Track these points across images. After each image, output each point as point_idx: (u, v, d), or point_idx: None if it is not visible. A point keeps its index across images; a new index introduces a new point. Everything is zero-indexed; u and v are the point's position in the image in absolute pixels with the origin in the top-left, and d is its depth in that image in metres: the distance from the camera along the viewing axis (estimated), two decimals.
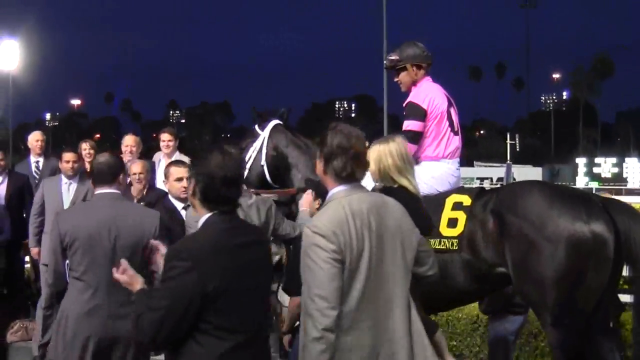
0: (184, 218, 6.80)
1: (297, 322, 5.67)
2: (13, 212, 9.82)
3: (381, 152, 5.21)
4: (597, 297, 5.59)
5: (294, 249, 6.82)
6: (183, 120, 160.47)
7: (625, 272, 5.91)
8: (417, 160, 6.47)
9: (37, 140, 11.05)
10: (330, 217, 4.10)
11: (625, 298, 7.55)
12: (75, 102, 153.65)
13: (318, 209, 5.59)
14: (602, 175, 51.40)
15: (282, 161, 6.81)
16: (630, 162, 52.78)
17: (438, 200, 6.18)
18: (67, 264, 5.35)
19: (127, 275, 4.24)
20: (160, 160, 10.45)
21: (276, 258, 7.12)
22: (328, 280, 3.96)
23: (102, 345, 5.19)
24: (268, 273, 4.25)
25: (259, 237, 4.24)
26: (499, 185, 8.88)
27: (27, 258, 10.21)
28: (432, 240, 5.98)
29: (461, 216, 5.98)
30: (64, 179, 9.36)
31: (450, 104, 6.50)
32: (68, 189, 9.34)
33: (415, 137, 6.36)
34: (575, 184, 46.28)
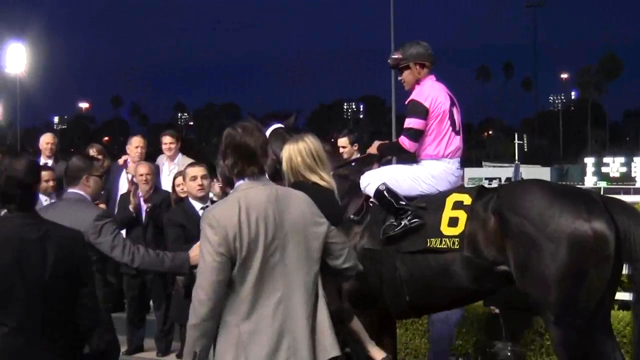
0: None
1: None
2: None
3: (291, 152, 5.44)
4: (599, 295, 5.59)
5: None
6: (191, 123, 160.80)
7: (625, 270, 5.90)
8: (417, 158, 6.50)
9: (48, 143, 11.09)
10: (221, 209, 4.36)
11: (623, 296, 7.56)
12: (83, 105, 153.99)
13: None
14: (611, 175, 51.16)
15: (279, 164, 6.82)
16: (639, 161, 52.59)
17: (438, 199, 6.19)
18: None
19: None
20: (164, 163, 10.50)
21: None
22: (209, 272, 4.21)
23: None
24: (58, 269, 4.29)
25: (55, 236, 4.35)
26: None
27: None
28: (433, 240, 6.00)
29: (462, 215, 5.98)
30: (42, 197, 9.37)
31: (452, 104, 6.50)
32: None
33: (417, 135, 6.37)
34: (583, 184, 46.14)
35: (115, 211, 9.42)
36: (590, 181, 50.55)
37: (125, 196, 9.31)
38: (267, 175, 4.58)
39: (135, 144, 10.30)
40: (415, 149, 6.38)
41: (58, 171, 10.53)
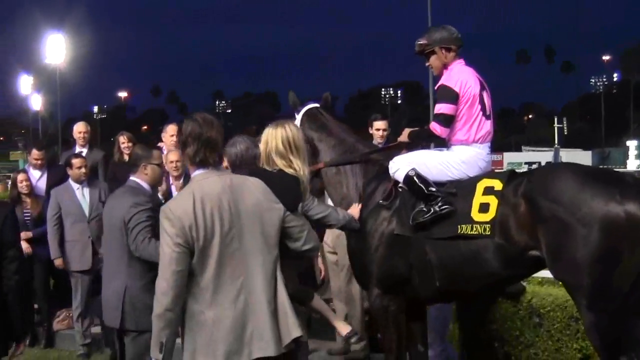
0: None
1: None
2: None
3: (269, 136, 5.55)
4: (633, 278, 5.50)
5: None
6: (229, 111, 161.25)
7: None
8: (447, 144, 6.43)
9: (81, 132, 11.22)
10: (176, 202, 4.65)
11: None
12: (122, 94, 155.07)
13: None
14: None
15: (311, 144, 6.79)
16: None
17: (469, 185, 6.12)
18: None
19: None
20: None
21: None
22: (168, 263, 4.41)
23: None
24: None
25: None
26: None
27: None
28: (464, 226, 5.95)
29: (493, 201, 5.91)
30: (74, 185, 9.50)
31: (482, 87, 6.40)
32: (82, 195, 9.49)
33: (448, 121, 6.29)
34: (626, 167, 45.67)
35: None
36: (632, 164, 50.03)
37: None
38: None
39: (171, 132, 10.34)
40: (447, 134, 6.32)
41: (92, 159, 10.66)
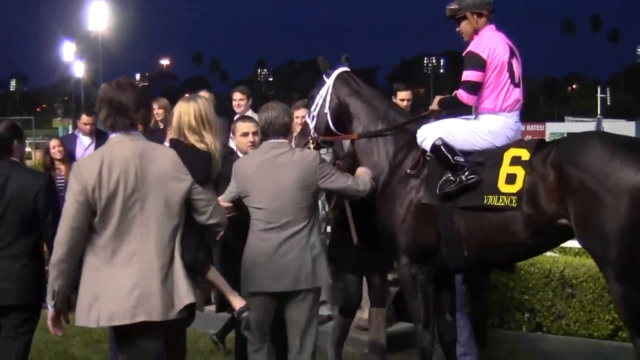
0: None
1: None
2: None
3: (181, 110, 5.54)
4: None
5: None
6: (271, 79, 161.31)
7: None
8: (475, 112, 6.36)
9: None
10: (86, 161, 4.96)
11: None
12: (164, 62, 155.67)
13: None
14: None
15: (344, 111, 6.75)
16: None
17: (496, 154, 6.05)
18: None
19: None
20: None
21: None
22: (67, 218, 4.67)
23: None
24: None
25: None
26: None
27: None
28: (490, 197, 5.89)
29: (520, 172, 5.84)
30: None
31: (512, 54, 6.27)
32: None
33: (475, 88, 6.19)
34: None
35: None
36: None
37: None
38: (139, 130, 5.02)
39: None
40: (474, 102, 6.24)
41: None
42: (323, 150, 6.90)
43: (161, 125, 10.31)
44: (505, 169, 5.91)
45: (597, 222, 5.51)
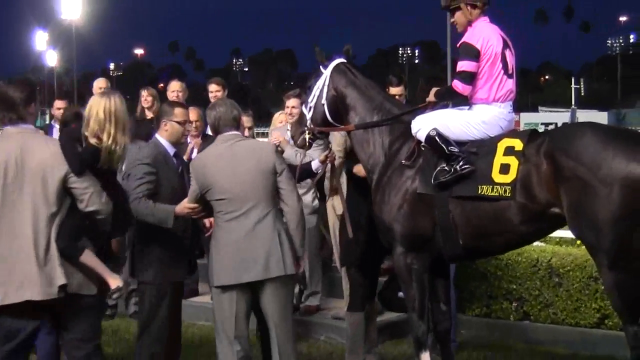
0: None
1: None
2: None
3: (93, 104, 5.70)
4: None
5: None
6: (246, 69, 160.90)
7: None
8: (469, 103, 6.40)
9: (100, 88, 11.15)
10: None
11: None
12: (139, 51, 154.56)
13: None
14: None
15: (341, 102, 6.77)
16: None
17: (490, 144, 6.10)
18: None
19: None
20: None
21: None
22: None
23: None
24: None
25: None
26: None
27: None
28: (484, 187, 5.95)
29: (513, 162, 5.90)
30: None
31: (505, 46, 6.33)
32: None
33: (470, 78, 6.23)
34: None
35: None
36: None
37: None
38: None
39: (172, 89, 10.36)
40: (469, 92, 6.29)
41: None
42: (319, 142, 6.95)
43: (148, 115, 10.29)
44: (499, 159, 5.96)
45: (590, 211, 5.58)
